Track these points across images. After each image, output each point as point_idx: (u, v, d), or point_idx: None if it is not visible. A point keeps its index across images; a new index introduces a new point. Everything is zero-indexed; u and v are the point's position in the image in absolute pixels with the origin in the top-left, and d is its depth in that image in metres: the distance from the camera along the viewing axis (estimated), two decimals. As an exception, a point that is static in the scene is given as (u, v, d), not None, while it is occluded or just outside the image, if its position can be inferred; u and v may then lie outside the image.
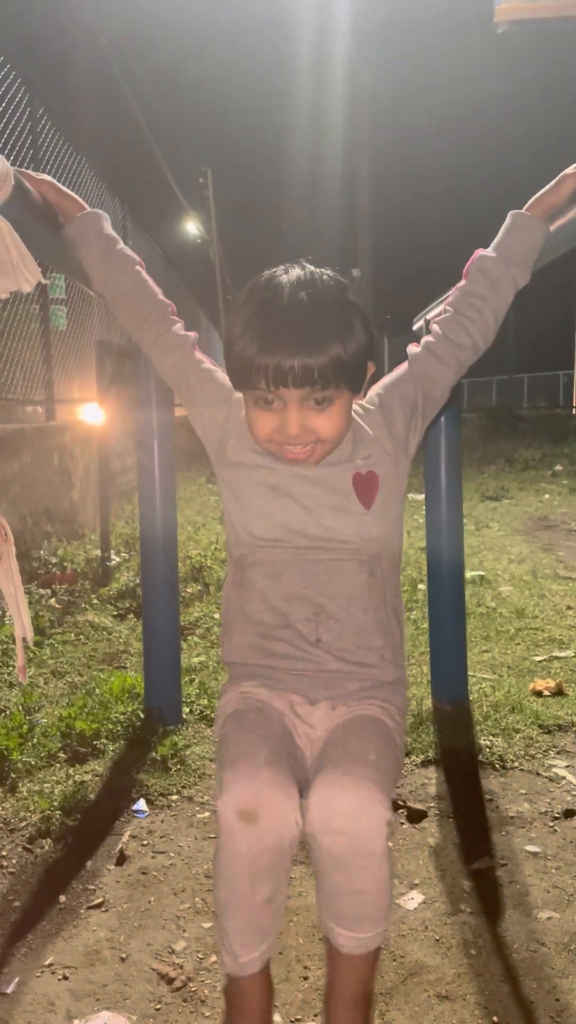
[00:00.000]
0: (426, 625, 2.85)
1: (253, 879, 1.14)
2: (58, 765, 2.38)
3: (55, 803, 2.14)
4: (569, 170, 1.40)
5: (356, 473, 1.31)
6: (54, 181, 1.48)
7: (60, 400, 6.45)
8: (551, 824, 2.07)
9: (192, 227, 23.15)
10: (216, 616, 3.90)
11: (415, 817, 2.12)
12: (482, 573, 4.71)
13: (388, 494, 1.33)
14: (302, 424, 1.22)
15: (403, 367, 1.41)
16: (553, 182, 1.40)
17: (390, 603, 1.36)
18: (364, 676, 1.33)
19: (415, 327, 2.80)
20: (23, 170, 1.40)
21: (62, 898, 1.83)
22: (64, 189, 1.49)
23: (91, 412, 5.46)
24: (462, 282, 1.40)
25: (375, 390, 1.41)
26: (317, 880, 1.19)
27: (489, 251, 1.40)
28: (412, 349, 1.41)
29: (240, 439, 1.35)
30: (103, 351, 4.61)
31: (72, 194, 1.49)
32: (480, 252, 1.40)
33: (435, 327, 1.39)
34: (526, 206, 1.41)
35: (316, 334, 1.17)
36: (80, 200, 1.49)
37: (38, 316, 6.14)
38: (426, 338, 1.40)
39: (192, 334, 1.43)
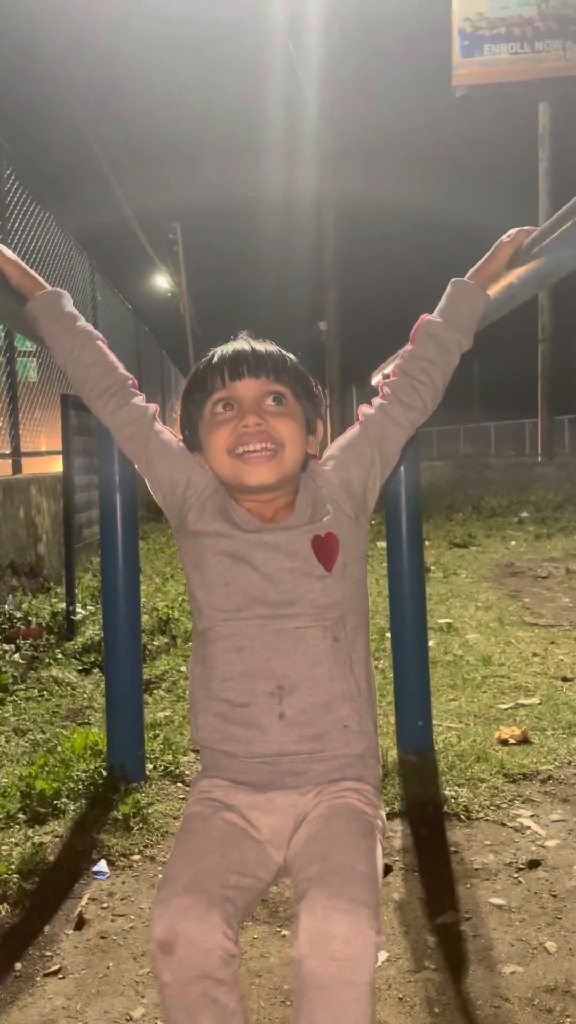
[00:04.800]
0: (393, 675, 2.85)
1: (188, 1012, 1.09)
2: (17, 826, 2.33)
3: (12, 866, 2.09)
4: (504, 238, 1.48)
5: (315, 536, 1.31)
6: (18, 260, 1.53)
7: (26, 453, 6.44)
8: (516, 875, 2.06)
9: (162, 281, 23.44)
10: (182, 669, 3.87)
11: (380, 872, 2.09)
12: (449, 620, 4.73)
13: (349, 555, 1.34)
14: (259, 416, 1.28)
15: (357, 428, 1.44)
16: (490, 252, 1.48)
17: (358, 667, 1.33)
18: (329, 753, 1.29)
19: (374, 381, 2.85)
20: None
21: (18, 965, 1.78)
22: (26, 268, 1.54)
23: (31, 463, 5.49)
24: (409, 346, 1.45)
25: (331, 451, 1.44)
26: (294, 1015, 1.10)
27: (435, 316, 1.45)
28: (366, 410, 1.45)
29: (200, 509, 1.37)
30: (68, 404, 4.63)
31: (33, 273, 1.54)
32: (426, 317, 1.46)
33: (387, 390, 1.43)
34: (467, 275, 1.47)
35: (265, 342, 1.35)
36: (40, 279, 1.53)
37: (4, 368, 6.16)
38: (379, 400, 1.44)
39: (152, 406, 1.46)
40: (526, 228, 1.52)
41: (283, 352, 1.36)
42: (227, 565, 1.31)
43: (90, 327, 1.49)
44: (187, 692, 3.45)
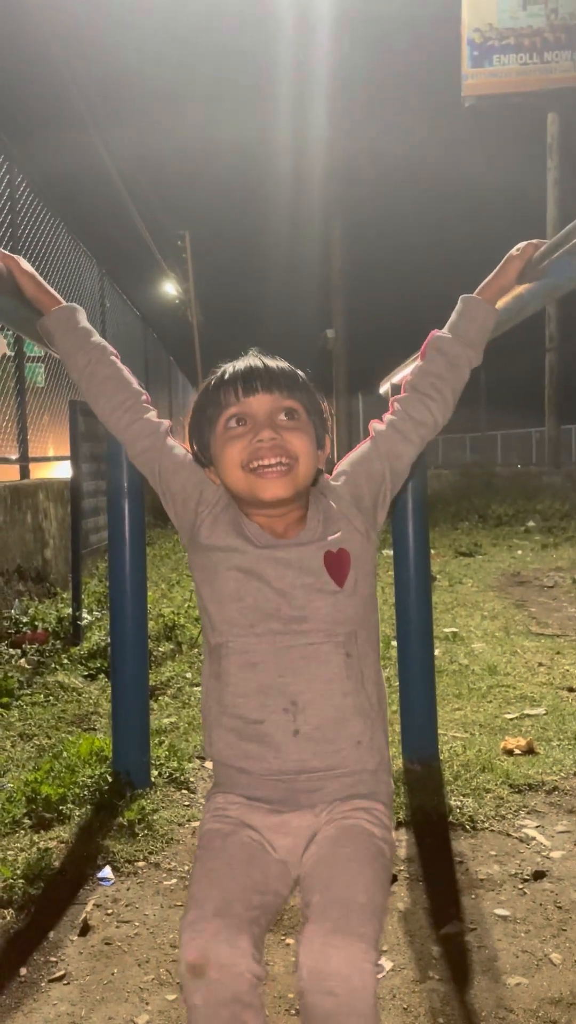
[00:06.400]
0: (398, 683, 2.85)
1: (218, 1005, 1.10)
2: (22, 831, 2.34)
3: (18, 871, 2.09)
4: (513, 251, 1.48)
5: (328, 552, 1.32)
6: (35, 273, 1.53)
7: (34, 458, 6.46)
8: (521, 886, 2.06)
9: (170, 288, 23.51)
10: (188, 675, 3.88)
11: (385, 881, 2.09)
12: (455, 629, 4.73)
13: (360, 570, 1.34)
14: (274, 431, 1.28)
15: (368, 444, 1.44)
16: (499, 266, 1.49)
17: (369, 682, 1.33)
18: (344, 770, 1.30)
19: (382, 390, 2.86)
20: (7, 253, 1.51)
21: (23, 970, 1.78)
22: (42, 282, 1.54)
23: (39, 468, 5.54)
24: (419, 361, 1.46)
25: (341, 466, 1.45)
26: None
27: (445, 332, 1.46)
28: (376, 426, 1.45)
29: (212, 523, 1.36)
30: (76, 410, 4.65)
31: (48, 287, 1.54)
32: (436, 333, 1.46)
33: (398, 406, 1.44)
34: (476, 291, 1.48)
35: (276, 359, 1.36)
36: (55, 293, 1.54)
37: (13, 375, 6.19)
38: (389, 416, 1.44)
39: (166, 422, 1.47)
40: (534, 241, 1.52)
41: (294, 368, 1.38)
42: (240, 580, 1.31)
43: (104, 342, 1.50)
44: (195, 700, 3.48)
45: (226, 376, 1.34)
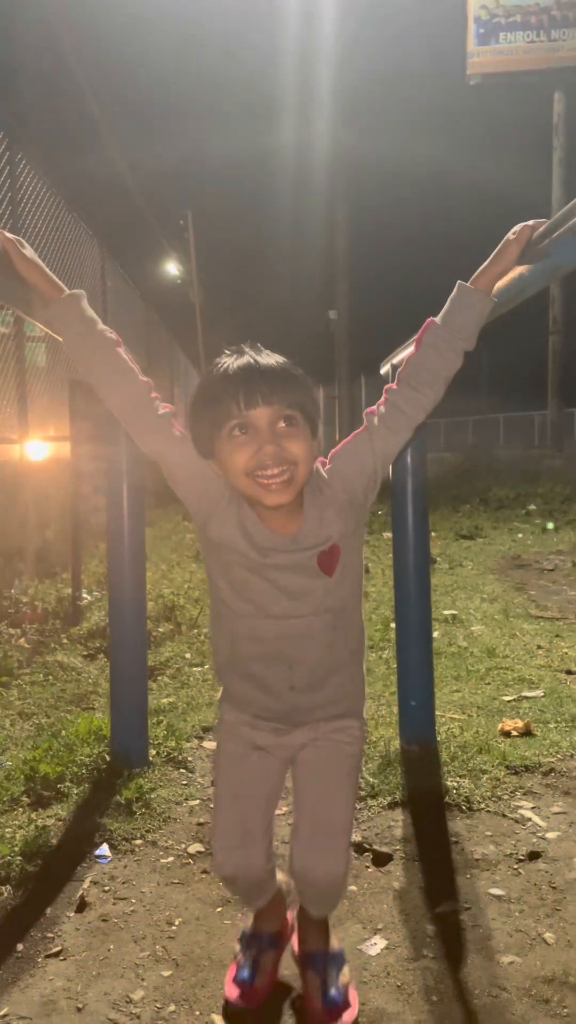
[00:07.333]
0: (397, 665, 2.85)
1: (249, 898, 1.66)
2: (20, 809, 2.35)
3: (16, 848, 2.10)
4: (510, 235, 1.47)
5: (320, 552, 1.48)
6: (37, 260, 1.49)
7: (35, 438, 6.45)
8: (516, 867, 2.07)
9: (172, 268, 23.40)
10: (187, 656, 3.89)
11: (380, 860, 2.11)
12: (455, 612, 4.73)
13: (347, 558, 1.51)
14: (276, 443, 1.36)
15: (363, 436, 1.50)
16: (496, 250, 1.47)
17: (352, 640, 1.57)
18: (329, 702, 1.57)
19: (382, 371, 2.85)
20: (11, 235, 1.48)
21: (20, 946, 1.80)
22: (45, 269, 1.50)
23: (39, 449, 5.57)
24: (414, 352, 1.49)
25: (337, 460, 1.51)
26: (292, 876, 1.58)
27: (440, 324, 1.48)
28: (370, 418, 1.50)
29: (220, 521, 1.48)
30: (76, 390, 4.63)
31: (51, 275, 1.50)
32: (431, 323, 1.49)
33: (391, 398, 1.49)
34: (473, 277, 1.48)
35: (274, 360, 1.41)
36: (57, 281, 1.50)
37: (13, 354, 6.16)
38: (382, 408, 1.49)
39: (169, 409, 1.50)
40: (531, 223, 1.50)
41: (287, 368, 1.41)
42: (246, 577, 1.49)
43: (108, 331, 1.48)
44: (194, 680, 3.51)
45: (227, 380, 1.37)
